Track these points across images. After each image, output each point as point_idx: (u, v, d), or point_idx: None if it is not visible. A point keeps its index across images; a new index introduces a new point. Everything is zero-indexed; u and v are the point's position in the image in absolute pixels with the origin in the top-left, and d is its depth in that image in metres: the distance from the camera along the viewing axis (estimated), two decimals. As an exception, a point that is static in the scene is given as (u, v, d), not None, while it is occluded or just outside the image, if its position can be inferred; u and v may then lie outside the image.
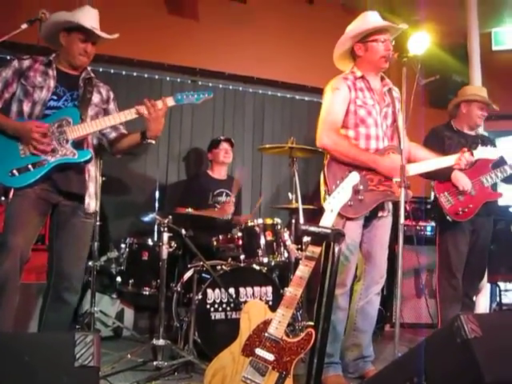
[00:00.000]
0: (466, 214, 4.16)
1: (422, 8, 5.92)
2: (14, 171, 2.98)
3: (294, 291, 2.70)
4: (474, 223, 4.26)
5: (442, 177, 4.14)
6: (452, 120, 4.54)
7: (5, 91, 3.13)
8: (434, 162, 3.62)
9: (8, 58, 4.65)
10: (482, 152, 3.75)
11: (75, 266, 3.22)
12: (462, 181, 4.12)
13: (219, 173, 5.15)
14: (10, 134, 3.02)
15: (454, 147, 4.18)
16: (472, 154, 3.66)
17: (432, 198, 4.50)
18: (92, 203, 3.26)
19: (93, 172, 3.30)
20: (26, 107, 3.11)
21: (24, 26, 2.99)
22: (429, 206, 5.43)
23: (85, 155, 3.13)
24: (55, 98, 3.18)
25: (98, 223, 4.31)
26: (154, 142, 3.25)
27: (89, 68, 3.38)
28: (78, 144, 3.15)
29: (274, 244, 4.26)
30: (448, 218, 4.16)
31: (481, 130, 4.77)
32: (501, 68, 4.23)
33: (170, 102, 3.19)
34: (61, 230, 3.19)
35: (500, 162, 4.23)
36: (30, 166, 3.00)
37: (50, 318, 3.16)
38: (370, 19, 3.48)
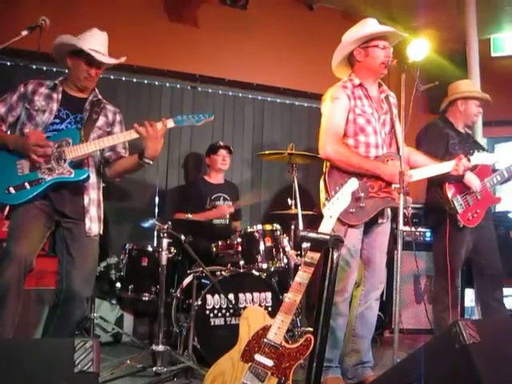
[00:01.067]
0: (475, 219, 4.06)
1: (421, 15, 5.95)
2: (11, 188, 3.01)
3: (293, 297, 2.71)
4: (474, 230, 4.12)
5: (454, 178, 3.93)
6: (446, 115, 4.41)
7: (9, 114, 3.19)
8: (435, 167, 3.61)
9: (8, 64, 4.71)
10: (478, 158, 3.73)
11: (86, 286, 3.20)
12: (476, 182, 4.00)
13: (216, 178, 5.17)
14: (11, 147, 3.06)
15: (458, 147, 4.12)
16: (469, 160, 3.67)
17: (428, 201, 4.41)
18: (94, 227, 3.25)
19: (94, 195, 3.28)
20: (29, 130, 3.14)
21: (24, 33, 3.00)
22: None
23: (81, 174, 3.13)
24: (58, 121, 3.21)
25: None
26: (151, 162, 3.20)
27: (97, 90, 3.41)
28: (78, 164, 3.16)
29: (274, 250, 4.26)
30: (459, 223, 4.02)
31: (480, 136, 4.77)
32: (500, 74, 4.24)
33: (170, 123, 3.18)
34: (70, 249, 3.18)
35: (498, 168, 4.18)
36: (26, 184, 3.03)
37: (55, 331, 3.15)
38: (372, 25, 3.49)
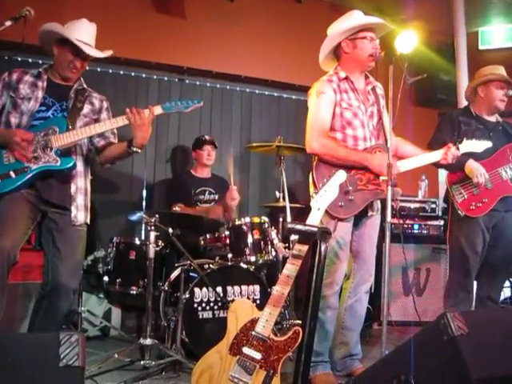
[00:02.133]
0: (480, 208, 3.86)
1: (409, 7, 5.95)
2: None
3: (281, 290, 2.70)
4: (492, 219, 3.92)
5: (455, 167, 3.82)
6: (470, 104, 4.19)
7: None
8: (421, 158, 3.56)
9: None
10: (467, 146, 3.61)
11: (73, 278, 3.19)
12: (477, 172, 3.79)
13: (202, 172, 5.14)
14: None
15: (471, 134, 3.90)
16: (458, 149, 3.58)
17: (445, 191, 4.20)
18: (80, 216, 3.22)
19: (81, 183, 3.26)
20: (14, 118, 3.13)
21: (8, 24, 2.94)
22: (417, 205, 5.46)
23: (67, 162, 3.10)
24: (44, 108, 3.18)
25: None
26: (139, 150, 3.20)
27: (82, 79, 3.38)
28: (64, 153, 3.12)
29: (262, 243, 4.25)
30: (459, 212, 3.89)
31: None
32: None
33: (158, 110, 3.17)
34: (56, 241, 3.16)
35: None
36: (11, 173, 3.00)
37: (40, 325, 3.13)
38: (358, 17, 3.47)
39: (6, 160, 3.02)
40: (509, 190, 3.95)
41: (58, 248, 3.14)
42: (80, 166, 3.25)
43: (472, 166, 3.81)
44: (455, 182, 3.94)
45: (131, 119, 3.09)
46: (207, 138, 5.16)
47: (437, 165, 3.72)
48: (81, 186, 3.26)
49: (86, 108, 3.32)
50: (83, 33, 3.22)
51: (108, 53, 3.34)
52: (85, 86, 3.38)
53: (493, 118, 4.15)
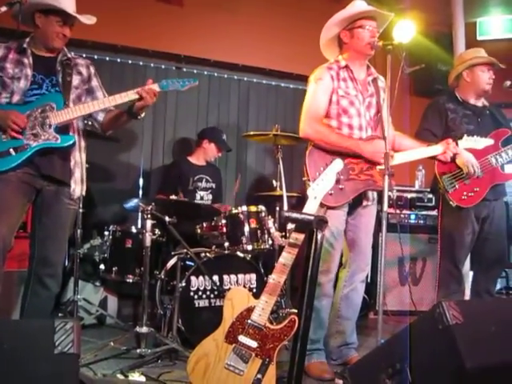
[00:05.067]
0: (471, 198, 3.79)
1: (407, -3, 5.92)
2: None
3: (277, 278, 2.70)
4: (482, 209, 3.88)
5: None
6: (455, 90, 4.10)
7: None
8: (419, 151, 3.57)
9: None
10: (467, 142, 3.62)
11: (59, 253, 3.22)
12: (469, 162, 3.71)
13: (199, 159, 5.14)
14: None
15: (459, 121, 3.91)
16: (457, 145, 3.59)
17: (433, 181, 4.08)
18: (78, 189, 3.24)
19: (78, 157, 3.26)
20: (4, 98, 3.09)
21: (3, 9, 2.91)
22: (414, 195, 5.46)
23: (68, 140, 3.10)
24: (36, 87, 3.14)
25: (81, 210, 4.27)
26: (142, 116, 3.27)
27: (65, 49, 3.30)
28: (63, 129, 3.11)
29: (258, 231, 4.26)
30: (451, 203, 3.79)
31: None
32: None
33: (155, 87, 3.17)
34: (44, 217, 3.16)
35: (510, 139, 3.91)
36: (11, 150, 2.98)
37: (31, 305, 3.14)
38: (357, 6, 3.47)
39: (4, 137, 2.99)
40: (499, 177, 3.90)
41: (46, 222, 3.15)
42: (77, 140, 3.24)
43: (463, 156, 3.72)
44: (445, 171, 3.84)
45: (143, 95, 3.11)
46: (227, 145, 5.21)
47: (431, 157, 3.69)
48: (78, 159, 3.26)
49: (76, 80, 3.27)
50: (69, 1, 3.16)
51: (93, 20, 3.26)
52: (69, 55, 3.30)
53: (479, 103, 4.08)
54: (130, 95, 3.13)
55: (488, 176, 3.83)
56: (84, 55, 3.39)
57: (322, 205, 3.16)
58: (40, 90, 3.14)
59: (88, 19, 3.23)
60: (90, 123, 3.40)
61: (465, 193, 3.80)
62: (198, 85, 3.33)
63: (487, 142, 3.68)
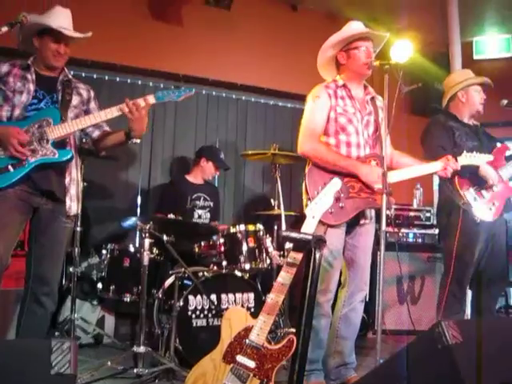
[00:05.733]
0: (493, 213, 3.80)
1: (404, 16, 5.99)
2: None
3: (275, 298, 2.69)
4: (493, 226, 3.85)
5: (467, 171, 3.68)
6: (450, 110, 4.14)
7: None
8: (418, 168, 3.56)
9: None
10: (467, 159, 3.59)
11: (55, 271, 3.21)
12: (492, 174, 3.74)
13: (197, 178, 5.15)
14: None
15: (465, 138, 3.91)
16: (457, 161, 3.55)
17: (437, 199, 4.15)
18: (73, 206, 3.25)
19: (74, 174, 3.28)
20: (6, 112, 3.11)
21: (4, 29, 2.93)
22: (412, 213, 5.46)
23: (65, 154, 3.11)
24: (36, 101, 3.18)
25: (78, 228, 4.27)
26: (138, 141, 3.27)
27: (66, 70, 3.37)
28: (60, 144, 3.13)
29: (257, 250, 4.24)
30: (475, 219, 3.74)
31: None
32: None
33: (152, 99, 3.19)
34: (41, 235, 3.16)
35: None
36: (9, 167, 2.99)
37: (27, 323, 3.13)
38: (353, 28, 3.50)
39: (2, 154, 3.00)
40: (510, 191, 3.93)
41: (42, 241, 3.15)
42: (74, 158, 3.25)
43: (487, 168, 3.74)
44: (467, 186, 3.81)
45: (125, 110, 3.11)
46: (227, 165, 5.22)
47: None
48: (74, 176, 3.28)
49: (75, 99, 3.32)
50: (61, 18, 3.22)
51: (88, 34, 3.31)
52: (70, 76, 3.37)
53: (471, 122, 4.12)
54: (113, 111, 3.14)
55: (502, 190, 3.86)
56: (83, 74, 3.41)
57: (322, 223, 3.16)
58: (39, 104, 3.17)
59: (81, 34, 3.27)
60: (84, 140, 3.43)
61: (486, 207, 3.79)
62: (193, 95, 3.38)
63: (486, 157, 3.68)
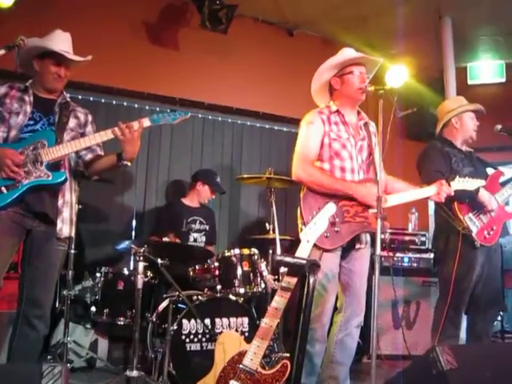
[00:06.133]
0: (492, 237, 3.85)
1: (399, 42, 6.04)
2: None
3: (269, 322, 2.68)
4: (489, 250, 3.92)
5: (466, 196, 3.74)
6: (444, 136, 4.19)
7: None
8: (413, 193, 3.56)
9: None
10: (460, 184, 3.59)
11: (48, 294, 3.20)
12: (490, 199, 3.82)
13: (193, 201, 5.16)
14: None
15: (462, 164, 3.98)
16: (450, 185, 3.55)
17: (433, 225, 4.16)
18: (65, 228, 3.22)
19: (68, 197, 3.27)
20: (2, 132, 3.13)
21: (1, 52, 2.96)
22: (407, 238, 5.46)
23: (59, 177, 3.11)
24: (32, 122, 3.19)
25: (73, 251, 4.25)
26: (129, 163, 3.24)
27: (65, 93, 3.40)
28: (54, 166, 3.13)
29: (251, 274, 4.23)
30: (476, 243, 3.80)
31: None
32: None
33: (146, 122, 3.18)
34: (34, 258, 3.15)
35: (507, 180, 4.04)
36: (3, 189, 2.99)
37: (19, 347, 3.11)
38: (346, 53, 3.53)
39: None
40: (506, 215, 4.00)
41: (35, 263, 3.14)
42: (68, 180, 3.24)
43: (484, 194, 3.80)
44: (467, 211, 3.86)
45: (118, 134, 3.10)
46: (221, 187, 5.25)
47: (450, 198, 3.63)
48: (67, 199, 3.26)
49: (72, 122, 3.34)
50: (61, 42, 3.25)
51: (88, 57, 3.34)
52: (68, 99, 3.39)
53: (464, 148, 4.16)
54: (108, 134, 3.14)
55: (499, 214, 3.91)
56: (80, 97, 3.43)
57: (317, 247, 3.16)
58: (34, 126, 3.18)
59: (81, 57, 3.29)
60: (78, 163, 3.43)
61: (485, 232, 3.85)
62: (189, 118, 3.36)
63: (479, 182, 3.68)
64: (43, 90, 3.29)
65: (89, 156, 3.40)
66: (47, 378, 1.93)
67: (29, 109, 3.20)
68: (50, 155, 3.08)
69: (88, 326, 4.57)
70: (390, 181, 3.65)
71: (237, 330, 3.99)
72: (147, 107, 5.51)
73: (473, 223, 3.84)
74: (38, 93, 3.28)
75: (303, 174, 3.36)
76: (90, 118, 3.47)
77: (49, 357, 4.12)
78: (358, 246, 3.45)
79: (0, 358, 3.78)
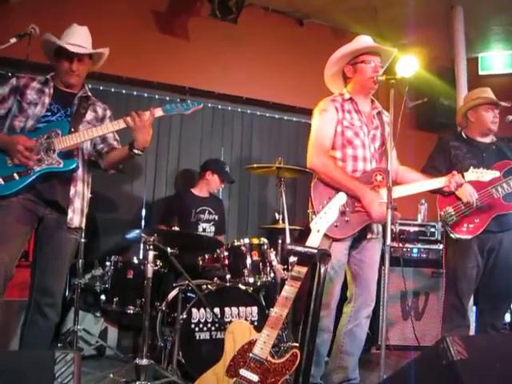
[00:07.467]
0: (470, 230, 3.85)
1: (409, 32, 6.01)
2: (0, 179, 2.98)
3: (279, 312, 2.68)
4: (486, 241, 3.90)
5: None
6: (464, 129, 4.18)
7: (0, 107, 3.19)
8: (424, 183, 3.54)
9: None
10: (473, 175, 3.59)
11: (59, 282, 3.21)
12: (466, 191, 3.76)
13: (202, 191, 5.16)
14: None
15: (462, 157, 3.99)
16: (463, 176, 3.55)
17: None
18: (76, 218, 3.23)
19: (80, 188, 3.27)
20: (19, 122, 3.17)
21: (13, 41, 2.98)
22: (416, 229, 5.44)
23: (70, 164, 3.13)
24: (49, 114, 3.22)
25: (83, 240, 4.28)
26: (141, 153, 3.22)
27: (86, 87, 3.42)
28: (66, 155, 3.14)
29: (260, 264, 4.24)
30: (452, 235, 3.89)
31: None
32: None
33: (159, 112, 3.18)
34: (45, 245, 3.17)
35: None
36: (15, 175, 3.01)
37: (30, 334, 3.13)
38: (361, 42, 3.51)
39: (9, 162, 3.03)
40: (501, 208, 3.89)
41: (46, 251, 3.16)
42: (80, 171, 3.26)
43: (463, 187, 3.72)
44: (446, 205, 3.91)
45: (130, 123, 3.09)
46: (232, 177, 5.25)
47: (433, 190, 3.65)
48: (79, 190, 3.27)
49: (90, 115, 3.36)
50: (74, 36, 3.27)
51: (100, 50, 3.37)
52: (89, 93, 3.43)
53: (487, 139, 4.14)
54: (120, 123, 3.15)
55: (488, 207, 3.85)
56: (90, 86, 3.43)
57: (327, 237, 3.15)
58: (51, 117, 3.21)
59: (86, 49, 3.29)
60: (93, 158, 3.44)
61: (465, 225, 3.86)
62: (202, 108, 3.35)
63: (493, 174, 3.66)
64: (62, 83, 3.32)
65: (105, 149, 3.41)
66: (60, 365, 1.94)
67: (47, 100, 3.22)
68: (62, 143, 3.09)
69: (98, 314, 4.59)
70: (401, 171, 3.63)
71: (246, 319, 3.99)
72: (157, 96, 5.51)
73: (450, 216, 3.88)
74: (59, 86, 3.32)
75: (318, 164, 3.35)
76: (108, 113, 3.48)
77: (59, 344, 4.16)
78: (369, 236, 3.44)
79: (12, 345, 3.81)
